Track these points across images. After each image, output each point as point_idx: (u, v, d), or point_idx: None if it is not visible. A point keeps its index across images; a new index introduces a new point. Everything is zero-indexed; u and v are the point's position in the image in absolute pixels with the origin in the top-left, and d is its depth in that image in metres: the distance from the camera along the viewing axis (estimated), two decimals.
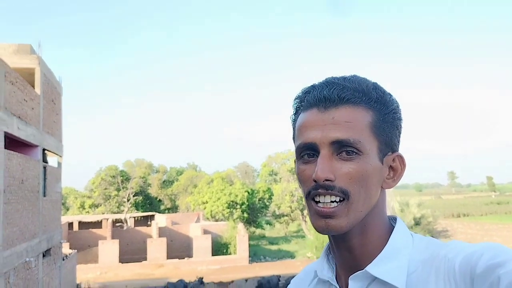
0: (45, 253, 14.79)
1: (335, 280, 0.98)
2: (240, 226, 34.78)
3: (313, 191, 0.89)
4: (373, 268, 0.89)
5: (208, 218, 41.75)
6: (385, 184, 0.93)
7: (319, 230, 0.90)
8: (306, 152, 0.92)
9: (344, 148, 0.89)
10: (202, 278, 19.93)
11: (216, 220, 40.88)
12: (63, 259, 18.17)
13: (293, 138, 1.00)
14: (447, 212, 62.19)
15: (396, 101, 0.96)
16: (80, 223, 39.31)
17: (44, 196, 14.71)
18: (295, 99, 1.00)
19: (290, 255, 34.55)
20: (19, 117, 11.97)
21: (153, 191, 55.83)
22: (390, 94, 0.96)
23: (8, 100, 11.21)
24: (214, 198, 42.41)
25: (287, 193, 46.26)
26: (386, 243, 0.92)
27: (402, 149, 0.96)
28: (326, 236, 0.99)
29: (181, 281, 19.07)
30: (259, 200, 46.76)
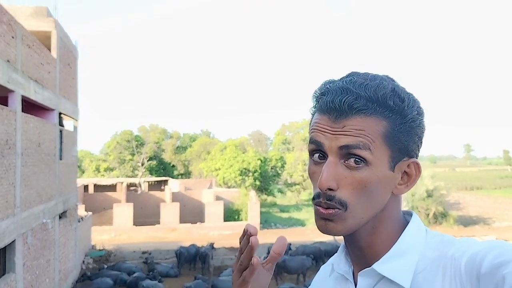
0: (62, 215, 15.18)
1: (350, 274, 0.99)
2: (252, 193, 35.16)
3: (316, 199, 0.90)
4: (379, 266, 0.90)
5: (220, 185, 42.23)
6: (396, 190, 0.92)
7: (319, 229, 0.93)
8: (317, 153, 0.92)
9: (352, 156, 0.87)
10: (213, 243, 20.34)
11: (228, 187, 41.34)
12: (79, 221, 18.66)
13: (309, 132, 1.00)
14: (460, 185, 61.87)
15: (417, 107, 0.92)
16: (95, 186, 40.11)
17: (61, 159, 14.96)
18: (314, 94, 0.99)
19: (301, 223, 34.97)
20: (36, 80, 12.04)
21: (167, 156, 56.43)
22: (411, 100, 0.91)
23: (25, 63, 11.26)
24: (227, 165, 42.75)
25: (300, 162, 46.39)
26: (397, 240, 0.92)
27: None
28: None
29: (193, 245, 19.50)
30: (271, 168, 47.00)
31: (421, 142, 0.94)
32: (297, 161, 46.43)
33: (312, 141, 0.94)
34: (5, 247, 9.87)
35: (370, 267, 0.91)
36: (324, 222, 0.90)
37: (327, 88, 0.93)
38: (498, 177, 76.88)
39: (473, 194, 55.34)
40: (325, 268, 1.13)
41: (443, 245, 0.89)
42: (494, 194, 54.74)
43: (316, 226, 0.94)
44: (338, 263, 1.02)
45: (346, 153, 0.87)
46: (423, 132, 0.93)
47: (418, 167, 0.93)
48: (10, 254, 10.24)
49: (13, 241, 10.15)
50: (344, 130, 0.88)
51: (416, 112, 0.91)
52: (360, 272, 0.94)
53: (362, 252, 0.95)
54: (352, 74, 0.95)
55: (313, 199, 0.92)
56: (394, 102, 0.88)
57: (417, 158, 0.94)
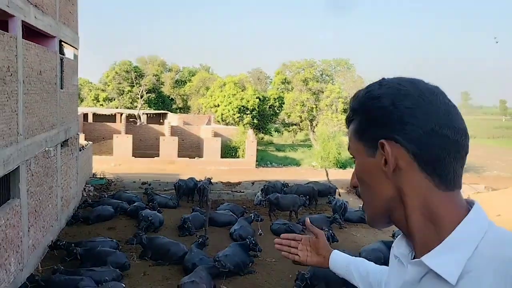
0: (63, 144, 15.36)
1: (408, 258, 1.02)
2: (250, 131, 35.39)
3: None
4: (428, 259, 0.91)
5: (218, 122, 42.36)
6: (386, 174, 0.98)
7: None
8: None
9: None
10: (211, 178, 20.81)
11: (226, 124, 41.50)
12: (80, 150, 18.91)
13: None
14: None
15: (393, 98, 0.97)
16: (94, 115, 40.16)
17: (62, 88, 14.87)
18: None
19: (296, 163, 35.55)
20: (35, 5, 11.68)
21: (166, 89, 55.99)
22: (383, 95, 0.99)
23: None
24: (226, 102, 42.63)
25: (298, 102, 46.23)
26: (452, 232, 0.91)
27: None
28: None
29: (191, 178, 19.94)
30: (269, 107, 46.93)
31: (401, 121, 0.95)
32: (296, 102, 46.27)
33: None
34: (9, 174, 10.08)
35: (419, 259, 0.92)
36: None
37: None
38: (493, 126, 77.35)
39: None
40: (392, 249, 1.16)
41: (502, 244, 0.86)
42: (487, 144, 55.38)
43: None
44: (398, 246, 1.06)
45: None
46: (395, 114, 0.96)
47: (387, 144, 0.96)
48: (15, 180, 10.48)
49: (17, 168, 10.35)
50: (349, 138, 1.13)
51: (382, 103, 0.98)
52: (410, 261, 0.96)
53: (413, 241, 1.00)
54: (382, 80, 1.09)
55: None
56: (353, 104, 1.07)
57: (401, 137, 0.95)
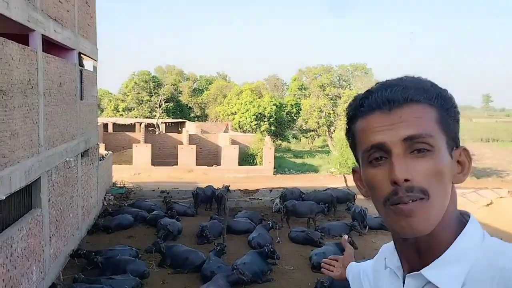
0: (83, 154, 15.62)
1: (401, 271, 0.99)
2: (267, 138, 35.41)
3: (393, 197, 0.87)
4: (428, 272, 0.89)
5: (236, 129, 42.51)
6: (455, 179, 0.92)
7: (403, 232, 0.88)
8: (375, 155, 0.91)
9: (416, 146, 0.87)
10: (229, 186, 20.87)
11: (244, 132, 41.61)
12: (100, 160, 19.20)
13: (352, 146, 0.98)
14: (476, 136, 61.15)
15: (453, 96, 0.95)
16: (114, 124, 40.77)
17: (81, 99, 15.16)
18: (349, 106, 0.98)
19: (314, 169, 35.38)
20: (55, 19, 11.97)
21: (184, 98, 56.54)
22: (446, 90, 0.94)
23: (44, 1, 11.15)
24: (243, 109, 42.79)
25: (316, 108, 46.08)
26: (452, 244, 0.90)
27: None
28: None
29: (209, 186, 20.03)
30: (286, 114, 46.91)
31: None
32: (313, 108, 46.13)
33: (366, 144, 0.91)
34: (31, 184, 10.29)
35: (419, 272, 0.90)
36: (406, 222, 0.86)
37: (368, 91, 0.96)
38: None
39: (488, 146, 54.78)
40: (380, 258, 1.12)
41: (497, 255, 0.85)
42: (510, 147, 54.10)
43: (394, 229, 0.88)
44: (391, 257, 1.03)
45: (411, 143, 0.87)
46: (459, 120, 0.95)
47: (468, 154, 0.94)
48: (36, 190, 10.70)
49: (38, 178, 10.57)
50: (403, 120, 0.88)
51: (454, 99, 0.95)
52: (408, 274, 0.94)
53: (418, 253, 0.93)
54: (386, 80, 0.96)
55: (386, 201, 0.88)
56: (436, 89, 0.92)
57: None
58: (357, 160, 0.98)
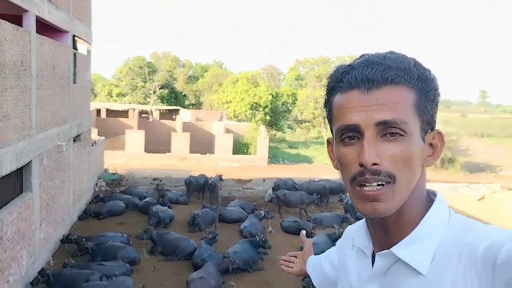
0: (76, 138, 15.47)
1: (369, 250, 1.01)
2: (262, 128, 35.35)
3: (359, 178, 0.89)
4: (398, 249, 0.91)
5: (231, 118, 42.38)
6: (425, 162, 0.93)
7: (366, 213, 0.91)
8: (348, 134, 0.91)
9: (389, 130, 0.88)
10: (222, 175, 20.80)
11: (239, 121, 41.50)
12: (92, 145, 19.05)
13: (329, 118, 0.98)
14: (471, 131, 61.46)
15: (435, 77, 0.92)
16: (107, 110, 40.48)
17: (74, 83, 14.97)
18: (330, 77, 0.97)
19: (308, 160, 35.42)
20: (49, 0, 11.74)
21: (179, 85, 56.23)
22: (429, 70, 0.92)
23: None
24: (238, 98, 42.61)
25: (312, 99, 46.01)
26: (420, 222, 0.92)
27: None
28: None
29: (202, 175, 19.97)
30: (282, 104, 46.81)
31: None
32: (309, 98, 46.05)
33: (341, 122, 0.92)
34: (22, 167, 10.17)
35: (389, 250, 0.92)
36: (371, 205, 0.89)
37: (350, 65, 0.93)
38: (511, 125, 75.95)
39: (483, 141, 55.10)
40: (346, 239, 1.15)
41: (464, 230, 0.88)
42: (505, 143, 54.45)
43: (359, 210, 0.90)
44: (358, 237, 1.05)
45: (383, 128, 0.88)
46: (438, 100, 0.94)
47: (442, 137, 0.94)
48: (27, 174, 10.58)
49: (30, 162, 10.44)
50: (379, 103, 0.88)
51: (436, 80, 0.92)
52: (379, 253, 0.95)
53: (386, 233, 0.96)
54: (366, 54, 0.94)
55: (353, 180, 0.91)
56: (419, 70, 0.90)
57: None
58: (331, 132, 1.00)
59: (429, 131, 0.92)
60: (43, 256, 11.74)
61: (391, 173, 0.88)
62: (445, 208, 0.94)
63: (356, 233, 1.06)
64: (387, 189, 0.88)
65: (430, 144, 0.93)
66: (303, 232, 2.03)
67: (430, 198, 0.96)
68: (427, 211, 0.93)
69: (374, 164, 0.87)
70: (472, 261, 0.81)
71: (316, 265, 1.56)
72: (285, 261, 1.93)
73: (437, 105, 0.93)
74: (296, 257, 1.90)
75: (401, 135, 0.88)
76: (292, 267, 1.87)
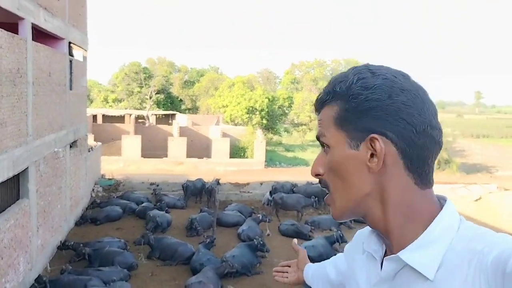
0: (72, 144, 15.47)
1: (379, 253, 1.02)
2: (259, 132, 35.40)
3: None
4: (405, 254, 0.91)
5: (227, 122, 42.43)
6: (371, 169, 0.94)
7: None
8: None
9: (321, 143, 1.02)
10: (219, 179, 20.82)
11: (235, 125, 41.54)
12: (89, 151, 19.04)
13: None
14: (467, 132, 61.71)
15: (375, 86, 0.93)
16: (103, 116, 40.44)
17: (71, 89, 14.99)
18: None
19: (305, 163, 35.45)
20: (45, 8, 11.79)
21: (175, 90, 56.26)
22: (363, 81, 0.94)
23: None
24: (234, 102, 42.67)
25: (308, 102, 46.16)
26: (427, 228, 0.92)
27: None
28: None
29: (199, 179, 19.98)
30: (278, 107, 46.91)
31: (396, 117, 0.92)
32: (305, 101, 46.20)
33: None
34: (18, 174, 10.17)
35: (396, 255, 0.93)
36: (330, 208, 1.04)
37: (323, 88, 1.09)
38: (506, 126, 76.30)
39: (479, 142, 55.30)
40: (356, 243, 1.17)
41: (474, 238, 0.88)
42: (500, 143, 54.66)
43: None
44: (368, 242, 1.06)
45: (320, 143, 1.03)
46: (384, 107, 0.92)
47: (377, 140, 0.93)
48: (24, 180, 10.58)
49: (26, 168, 10.44)
50: (319, 123, 1.04)
51: (371, 90, 0.93)
52: (386, 257, 0.96)
53: (387, 238, 0.98)
54: (348, 70, 1.03)
55: None
56: (340, 88, 0.98)
57: (393, 133, 0.92)
58: None
59: (366, 138, 0.94)
60: (40, 262, 11.72)
61: (325, 182, 1.01)
62: (455, 214, 0.95)
63: (366, 237, 1.08)
64: (328, 196, 1.02)
65: (374, 149, 0.94)
66: (295, 241, 2.02)
67: (440, 203, 0.97)
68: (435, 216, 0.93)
69: (317, 174, 1.03)
70: (482, 269, 0.82)
71: (320, 273, 1.56)
72: (279, 271, 1.90)
73: (376, 111, 0.92)
74: (289, 267, 1.88)
75: (328, 146, 0.99)
76: (287, 277, 1.85)
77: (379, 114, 0.93)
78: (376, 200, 0.96)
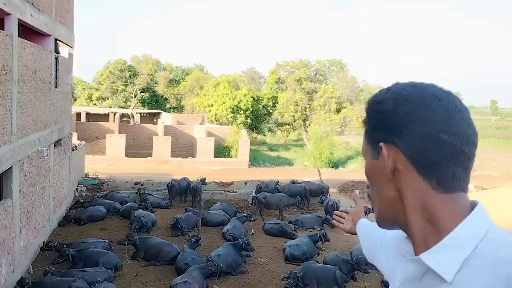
0: (56, 143, 15.30)
1: (411, 254, 1.06)
2: (243, 131, 35.47)
3: None
4: (426, 256, 0.95)
5: (212, 121, 42.38)
6: (386, 176, 1.03)
7: None
8: None
9: None
10: (205, 178, 20.84)
11: (220, 124, 41.53)
12: (73, 150, 18.85)
13: None
14: None
15: (382, 100, 1.05)
16: (87, 114, 39.98)
17: (56, 87, 14.82)
18: None
19: (289, 163, 35.67)
20: (32, 3, 11.64)
21: (160, 89, 55.95)
22: (386, 99, 1.04)
23: None
24: (220, 102, 42.65)
25: (292, 102, 46.37)
26: (452, 231, 0.95)
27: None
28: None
29: (184, 179, 19.93)
30: (263, 107, 47.03)
31: (400, 126, 0.99)
32: (289, 101, 46.40)
33: None
34: (1, 174, 10.04)
35: (417, 257, 0.97)
36: None
37: None
38: (483, 126, 77.68)
39: None
40: (398, 241, 1.19)
41: (501, 245, 0.89)
42: (479, 144, 55.52)
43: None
44: (404, 242, 1.10)
45: None
46: (401, 118, 0.99)
47: (384, 147, 1.02)
48: (7, 180, 10.43)
49: (10, 168, 10.30)
50: None
51: (384, 108, 1.03)
52: (410, 258, 1.02)
53: (413, 241, 1.03)
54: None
55: None
56: (367, 108, 1.10)
57: (400, 141, 1.00)
58: None
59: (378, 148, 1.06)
60: (23, 264, 11.56)
61: (368, 191, 1.16)
62: (485, 219, 0.95)
63: (405, 240, 1.11)
64: (371, 203, 1.15)
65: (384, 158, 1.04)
66: (356, 192, 2.23)
67: (472, 208, 0.99)
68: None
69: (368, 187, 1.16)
70: (503, 276, 0.83)
71: (370, 238, 1.54)
72: (337, 216, 2.06)
73: (381, 123, 1.04)
74: (347, 213, 2.03)
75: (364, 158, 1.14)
76: (343, 223, 2.02)
77: (386, 124, 1.02)
78: (400, 205, 1.03)
